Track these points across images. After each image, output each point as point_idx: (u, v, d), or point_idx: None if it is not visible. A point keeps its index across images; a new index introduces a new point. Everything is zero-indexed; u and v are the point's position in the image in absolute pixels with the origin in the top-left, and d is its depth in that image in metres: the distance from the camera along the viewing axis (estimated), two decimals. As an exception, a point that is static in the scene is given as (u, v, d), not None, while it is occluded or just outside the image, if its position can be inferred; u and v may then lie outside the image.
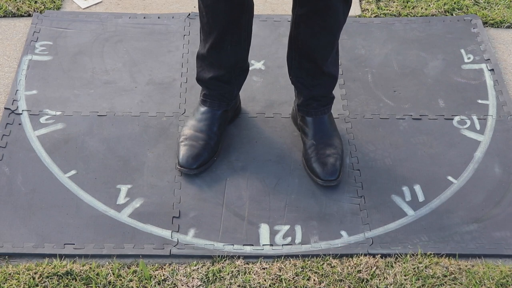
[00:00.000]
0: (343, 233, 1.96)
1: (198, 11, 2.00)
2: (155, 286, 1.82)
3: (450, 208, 2.03)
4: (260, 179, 2.09)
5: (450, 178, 2.11)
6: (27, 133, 2.19)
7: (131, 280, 1.83)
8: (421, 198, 2.06)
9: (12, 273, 1.83)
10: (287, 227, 1.97)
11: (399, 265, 1.88)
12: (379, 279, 1.84)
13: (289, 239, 1.94)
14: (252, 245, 1.92)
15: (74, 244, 1.91)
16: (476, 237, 1.96)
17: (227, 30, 1.95)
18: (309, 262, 1.88)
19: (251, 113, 2.29)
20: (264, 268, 1.87)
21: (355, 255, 1.90)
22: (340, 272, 1.86)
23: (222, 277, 1.84)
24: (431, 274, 1.86)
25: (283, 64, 2.27)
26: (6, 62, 2.45)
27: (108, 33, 2.57)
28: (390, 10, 2.71)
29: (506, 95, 2.37)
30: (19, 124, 2.22)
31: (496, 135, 2.24)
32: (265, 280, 1.83)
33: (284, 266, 1.87)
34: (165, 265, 1.87)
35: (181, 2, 2.73)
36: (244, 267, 1.87)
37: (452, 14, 2.70)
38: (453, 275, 1.86)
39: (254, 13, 2.02)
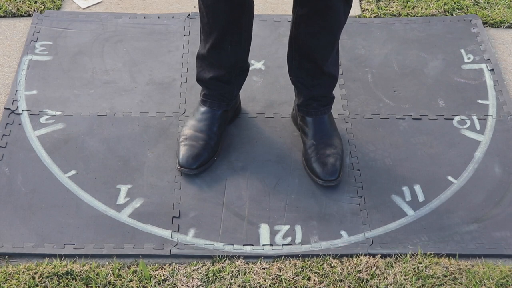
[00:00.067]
0: (343, 233, 1.96)
1: (198, 11, 2.00)
2: (155, 286, 1.82)
3: (450, 208, 2.03)
4: (260, 179, 2.09)
5: (450, 178, 2.11)
6: (27, 133, 2.19)
7: (131, 280, 1.83)
8: (421, 198, 2.06)
9: (12, 273, 1.83)
10: (287, 227, 1.97)
11: (399, 265, 1.88)
12: (379, 279, 1.84)
13: (289, 239, 1.94)
14: (252, 245, 1.92)
15: (74, 244, 1.90)
16: (476, 237, 1.96)
17: (227, 30, 1.95)
18: (309, 262, 1.88)
19: (251, 113, 2.29)
20: (264, 268, 1.87)
21: (355, 255, 1.90)
22: (340, 272, 1.85)
23: (222, 277, 1.84)
24: (431, 274, 1.86)
25: (283, 64, 2.27)
26: (6, 62, 2.45)
27: (108, 33, 2.56)
28: (390, 10, 2.71)
29: (506, 95, 2.37)
30: (19, 124, 2.22)
31: (496, 135, 2.24)
32: (265, 280, 1.83)
33: (284, 266, 1.87)
34: (165, 265, 1.87)
35: (181, 2, 2.73)
36: (244, 267, 1.86)
37: (452, 14, 2.70)
38: (453, 275, 1.86)
39: (254, 13, 2.02)
